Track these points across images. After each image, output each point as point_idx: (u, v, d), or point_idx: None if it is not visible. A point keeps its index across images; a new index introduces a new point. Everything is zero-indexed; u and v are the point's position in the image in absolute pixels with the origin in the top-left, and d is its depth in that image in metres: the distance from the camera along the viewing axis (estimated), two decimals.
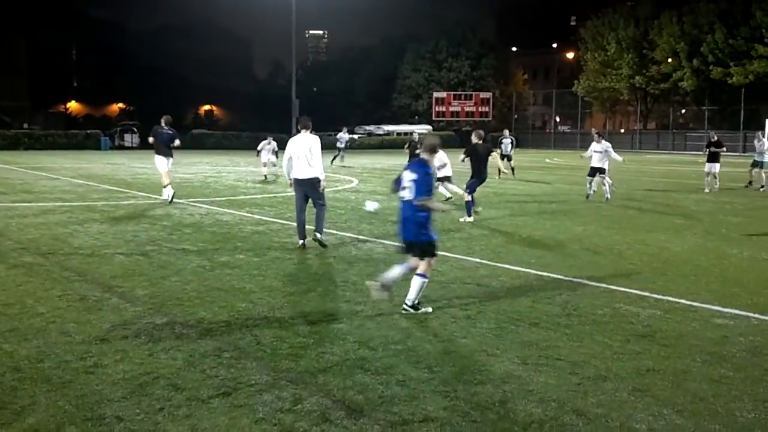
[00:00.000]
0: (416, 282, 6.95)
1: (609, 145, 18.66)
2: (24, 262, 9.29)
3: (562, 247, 11.02)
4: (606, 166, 18.46)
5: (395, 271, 7.11)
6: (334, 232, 12.34)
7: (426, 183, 6.88)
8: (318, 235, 10.65)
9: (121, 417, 4.43)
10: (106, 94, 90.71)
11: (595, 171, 18.51)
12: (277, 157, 23.77)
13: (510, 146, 27.24)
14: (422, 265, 7.00)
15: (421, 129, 69.13)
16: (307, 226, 10.79)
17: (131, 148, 57.98)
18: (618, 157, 19.05)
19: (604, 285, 8.26)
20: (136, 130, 63.68)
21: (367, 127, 74.80)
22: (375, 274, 8.66)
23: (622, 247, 10.98)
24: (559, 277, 8.70)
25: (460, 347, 5.90)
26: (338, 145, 36.94)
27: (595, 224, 13.67)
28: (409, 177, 6.94)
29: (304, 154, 10.48)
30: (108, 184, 21.11)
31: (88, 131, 57.52)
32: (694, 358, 5.73)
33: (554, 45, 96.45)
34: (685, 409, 4.69)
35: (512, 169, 26.10)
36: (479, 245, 11.08)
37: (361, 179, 25.64)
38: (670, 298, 7.66)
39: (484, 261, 9.71)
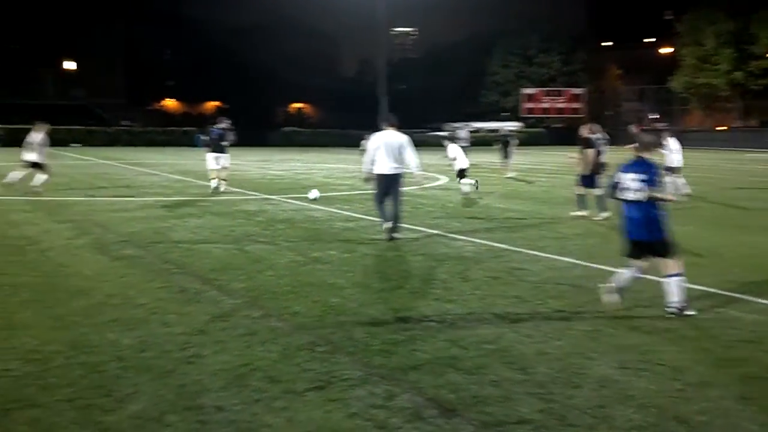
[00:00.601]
0: (673, 283, 6.74)
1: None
2: (126, 255, 9.67)
3: None
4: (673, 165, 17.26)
5: (625, 276, 6.99)
6: (423, 229, 12.33)
7: (659, 179, 6.79)
8: (393, 229, 11.00)
9: (221, 407, 4.55)
10: (201, 92, 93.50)
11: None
12: None
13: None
14: (669, 265, 6.80)
15: (510, 126, 68.25)
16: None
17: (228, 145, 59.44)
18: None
19: (705, 288, 7.93)
20: (231, 127, 65.31)
21: (454, 125, 74.39)
22: (464, 273, 8.63)
23: (723, 249, 10.54)
24: (659, 279, 8.40)
25: (554, 349, 5.79)
26: (461, 144, 36.28)
27: (695, 225, 13.17)
28: (633, 177, 6.79)
29: (392, 150, 10.82)
30: (204, 180, 21.71)
31: (185, 128, 59.49)
32: None
33: (649, 40, 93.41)
34: None
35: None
36: (573, 244, 10.86)
37: (450, 177, 25.50)
38: None
39: (578, 261, 9.50)
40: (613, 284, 6.94)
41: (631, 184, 6.79)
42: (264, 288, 7.77)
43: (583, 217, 13.82)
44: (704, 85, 69.77)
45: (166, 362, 5.37)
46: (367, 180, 11.33)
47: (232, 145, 19.48)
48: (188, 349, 5.65)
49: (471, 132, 32.26)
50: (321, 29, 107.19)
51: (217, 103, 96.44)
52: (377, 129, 11.48)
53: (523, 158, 38.07)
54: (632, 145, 7.19)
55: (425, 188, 20.74)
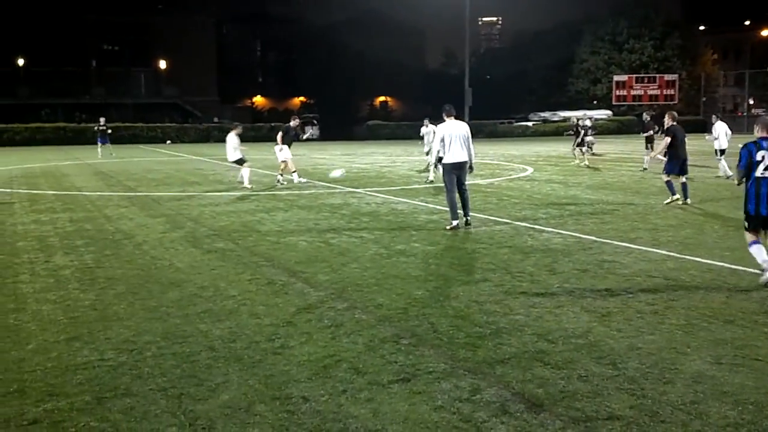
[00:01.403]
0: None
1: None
2: (217, 248, 9.93)
3: None
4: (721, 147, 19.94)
5: (763, 253, 7.45)
6: (508, 221, 12.18)
7: None
8: (467, 218, 11.57)
9: (307, 397, 4.61)
10: (287, 88, 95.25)
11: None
12: None
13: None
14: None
15: (598, 114, 66.53)
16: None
17: (311, 140, 60.53)
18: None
19: None
20: (316, 122, 66.46)
21: (543, 114, 73.14)
22: (552, 265, 8.47)
23: None
24: (756, 272, 8.02)
25: (646, 343, 5.60)
26: (587, 137, 34.87)
27: None
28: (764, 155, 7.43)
29: (459, 139, 11.23)
30: (290, 175, 22.09)
31: (272, 124, 60.69)
32: None
33: (747, 22, 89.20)
34: None
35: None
36: (666, 236, 10.49)
37: (536, 167, 25.13)
38: None
39: (671, 253, 9.18)
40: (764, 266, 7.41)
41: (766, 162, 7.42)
42: (349, 280, 7.83)
43: (674, 201, 13.89)
44: None
45: (254, 353, 5.48)
46: (437, 168, 11.88)
47: (315, 139, 20.71)
48: (276, 340, 5.76)
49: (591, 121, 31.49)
50: (406, 22, 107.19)
51: (302, 98, 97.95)
52: (435, 117, 11.77)
53: (611, 146, 37.13)
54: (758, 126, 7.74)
55: (512, 179, 20.47)
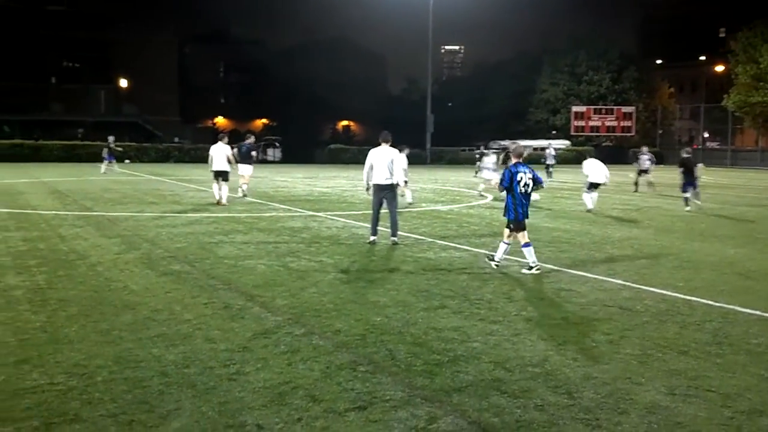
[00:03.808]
0: (525, 251, 10.03)
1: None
2: (173, 270, 9.78)
3: (713, 270, 10.40)
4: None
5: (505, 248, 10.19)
6: (468, 248, 12.24)
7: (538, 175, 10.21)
8: (394, 238, 12.40)
9: (261, 425, 4.53)
10: (250, 110, 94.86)
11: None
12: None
13: (648, 162, 27.58)
14: (524, 236, 10.08)
15: (558, 144, 67.58)
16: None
17: (273, 162, 60.32)
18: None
19: (758, 312, 7.69)
20: (278, 144, 66.23)
21: (502, 142, 73.94)
22: (509, 293, 8.53)
23: None
24: (709, 302, 8.18)
25: (602, 373, 5.65)
26: (548, 161, 37.06)
27: (749, 247, 12.82)
28: (528, 175, 9.96)
29: (386, 163, 12.23)
30: (251, 197, 21.95)
31: (233, 145, 60.38)
32: None
33: (702, 57, 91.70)
34: None
35: (651, 183, 27.52)
36: (622, 266, 10.64)
37: (496, 195, 25.31)
38: None
39: (627, 283, 9.30)
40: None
41: (527, 180, 9.95)
42: (307, 305, 7.77)
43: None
44: (759, 104, 68.06)
45: (208, 378, 5.38)
46: (368, 191, 12.68)
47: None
48: (231, 366, 5.67)
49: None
50: (370, 48, 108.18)
51: (264, 120, 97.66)
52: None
53: (570, 176, 37.63)
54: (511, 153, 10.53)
55: (472, 206, 20.61)
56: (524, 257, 10.07)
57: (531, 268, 9.87)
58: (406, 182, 15.79)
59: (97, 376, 5.41)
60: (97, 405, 4.83)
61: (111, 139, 38.12)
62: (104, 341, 6.32)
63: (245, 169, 21.93)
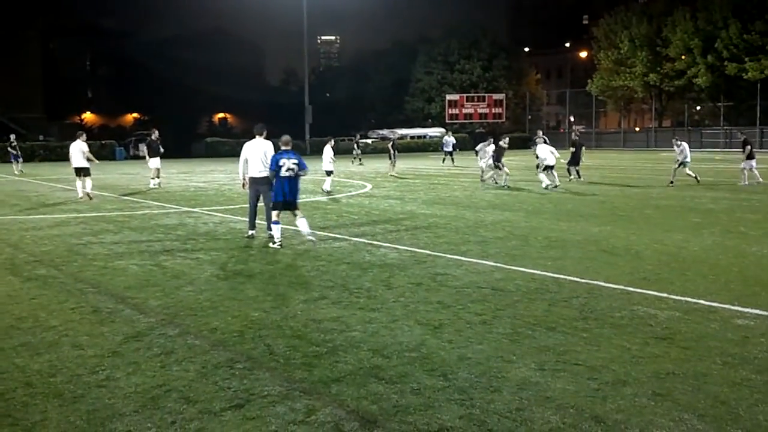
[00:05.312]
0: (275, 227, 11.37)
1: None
2: (38, 275, 9.30)
3: (579, 248, 10.90)
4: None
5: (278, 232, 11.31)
6: (347, 237, 12.29)
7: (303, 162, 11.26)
8: (270, 231, 11.98)
9: None
10: (120, 104, 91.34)
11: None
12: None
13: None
14: (278, 215, 11.34)
15: (434, 132, 69.00)
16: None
17: (146, 157, 58.25)
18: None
19: (621, 287, 8.14)
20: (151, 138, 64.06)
21: (381, 132, 74.60)
22: (388, 280, 8.63)
23: (639, 248, 10.83)
24: (576, 279, 8.58)
25: (475, 353, 5.81)
26: (446, 149, 37.96)
27: (612, 225, 13.53)
28: (292, 160, 11.03)
29: (259, 156, 12.03)
30: (122, 194, 21.16)
31: (103, 141, 57.95)
32: (714, 360, 5.61)
33: (567, 44, 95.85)
34: (706, 414, 4.58)
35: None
36: (494, 248, 10.98)
37: (375, 184, 25.56)
38: (690, 299, 7.53)
39: (499, 264, 9.61)
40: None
41: (291, 165, 10.98)
42: (182, 305, 7.57)
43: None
44: (620, 88, 71.89)
45: (76, 387, 5.15)
46: (244, 185, 12.55)
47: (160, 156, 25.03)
48: (100, 372, 5.45)
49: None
50: (245, 39, 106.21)
51: (136, 114, 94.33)
52: (273, 135, 12.21)
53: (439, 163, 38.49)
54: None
55: (351, 195, 20.69)
56: (302, 229, 11.34)
57: (275, 243, 11.22)
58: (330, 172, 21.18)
59: None
60: None
61: (12, 137, 37.88)
62: None
63: (155, 162, 24.75)
